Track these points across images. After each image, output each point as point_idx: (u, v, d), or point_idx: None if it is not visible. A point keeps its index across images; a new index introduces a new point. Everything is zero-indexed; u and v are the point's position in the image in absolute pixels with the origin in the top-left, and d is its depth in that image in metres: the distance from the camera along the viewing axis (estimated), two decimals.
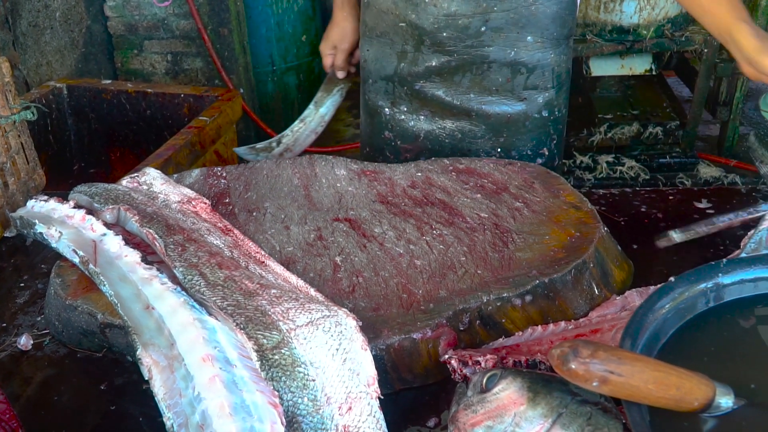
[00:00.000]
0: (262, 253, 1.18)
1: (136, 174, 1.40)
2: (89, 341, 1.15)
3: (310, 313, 0.97)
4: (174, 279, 1.06)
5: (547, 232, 1.26)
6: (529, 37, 1.56)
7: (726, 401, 0.84)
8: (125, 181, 1.38)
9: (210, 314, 0.96)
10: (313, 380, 0.90)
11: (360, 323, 0.96)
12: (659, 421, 0.84)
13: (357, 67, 1.94)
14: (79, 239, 1.18)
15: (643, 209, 1.53)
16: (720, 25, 1.38)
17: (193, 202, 1.31)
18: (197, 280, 1.04)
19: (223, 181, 1.47)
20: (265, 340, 0.92)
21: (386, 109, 1.72)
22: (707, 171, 3.36)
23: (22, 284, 1.36)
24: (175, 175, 1.48)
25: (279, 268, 1.13)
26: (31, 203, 1.32)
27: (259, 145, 1.94)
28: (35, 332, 1.22)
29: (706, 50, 3.20)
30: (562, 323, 1.08)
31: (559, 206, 1.33)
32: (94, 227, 1.19)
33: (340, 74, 1.92)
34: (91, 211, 1.24)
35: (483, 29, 1.55)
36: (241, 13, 3.69)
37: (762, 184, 1.65)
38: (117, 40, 3.75)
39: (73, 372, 1.15)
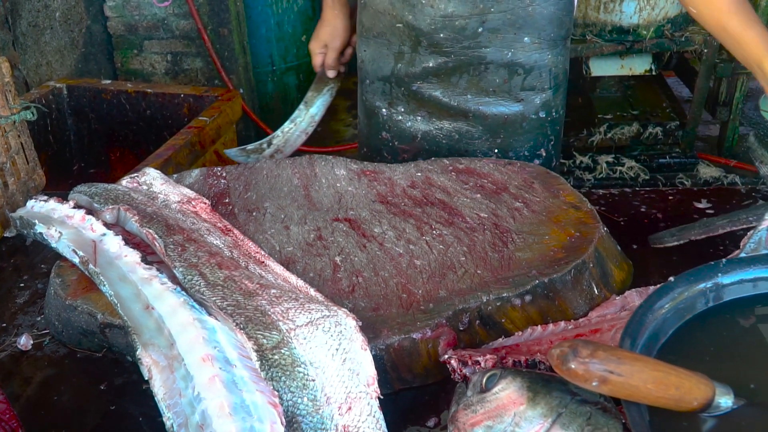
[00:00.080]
0: (262, 253, 1.18)
1: (135, 174, 1.40)
2: (89, 341, 1.15)
3: (309, 313, 0.97)
4: (174, 279, 1.06)
5: (547, 232, 1.26)
6: (526, 38, 1.56)
7: (725, 401, 0.84)
8: (125, 181, 1.38)
9: (210, 314, 0.96)
10: (313, 380, 0.90)
11: (360, 323, 0.96)
12: (658, 421, 0.84)
13: (347, 66, 1.92)
14: (78, 239, 1.18)
15: (642, 209, 1.53)
16: (748, 56, 1.37)
17: (193, 202, 1.31)
18: (197, 280, 1.04)
19: (222, 181, 1.47)
20: (264, 340, 0.92)
21: (383, 110, 1.72)
22: (707, 171, 3.36)
23: (22, 284, 1.36)
24: (175, 175, 1.48)
25: (279, 268, 1.13)
26: (30, 203, 1.33)
27: (249, 147, 1.90)
28: (35, 332, 1.22)
29: (705, 50, 3.20)
30: (562, 323, 1.08)
31: (559, 206, 1.33)
32: (94, 227, 1.19)
33: (331, 73, 1.89)
34: (90, 211, 1.24)
35: (480, 30, 1.54)
36: (241, 13, 3.69)
37: (762, 184, 1.65)
38: (117, 40, 3.75)
39: (73, 372, 1.15)
